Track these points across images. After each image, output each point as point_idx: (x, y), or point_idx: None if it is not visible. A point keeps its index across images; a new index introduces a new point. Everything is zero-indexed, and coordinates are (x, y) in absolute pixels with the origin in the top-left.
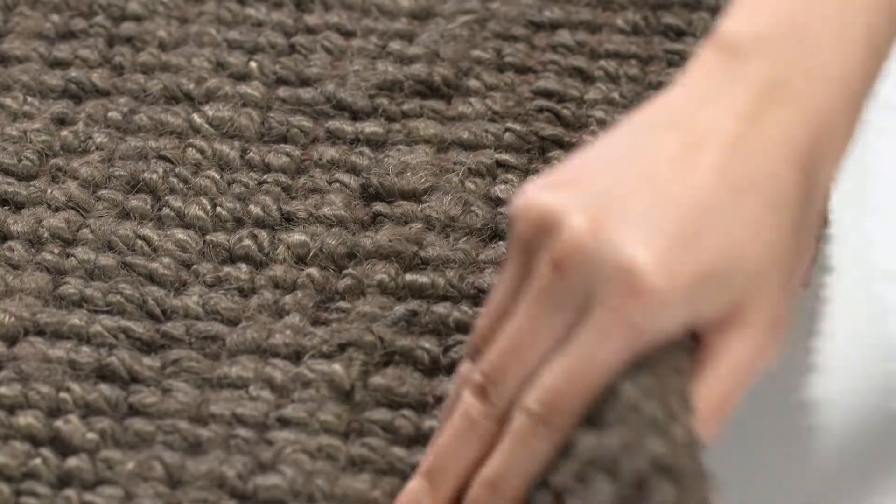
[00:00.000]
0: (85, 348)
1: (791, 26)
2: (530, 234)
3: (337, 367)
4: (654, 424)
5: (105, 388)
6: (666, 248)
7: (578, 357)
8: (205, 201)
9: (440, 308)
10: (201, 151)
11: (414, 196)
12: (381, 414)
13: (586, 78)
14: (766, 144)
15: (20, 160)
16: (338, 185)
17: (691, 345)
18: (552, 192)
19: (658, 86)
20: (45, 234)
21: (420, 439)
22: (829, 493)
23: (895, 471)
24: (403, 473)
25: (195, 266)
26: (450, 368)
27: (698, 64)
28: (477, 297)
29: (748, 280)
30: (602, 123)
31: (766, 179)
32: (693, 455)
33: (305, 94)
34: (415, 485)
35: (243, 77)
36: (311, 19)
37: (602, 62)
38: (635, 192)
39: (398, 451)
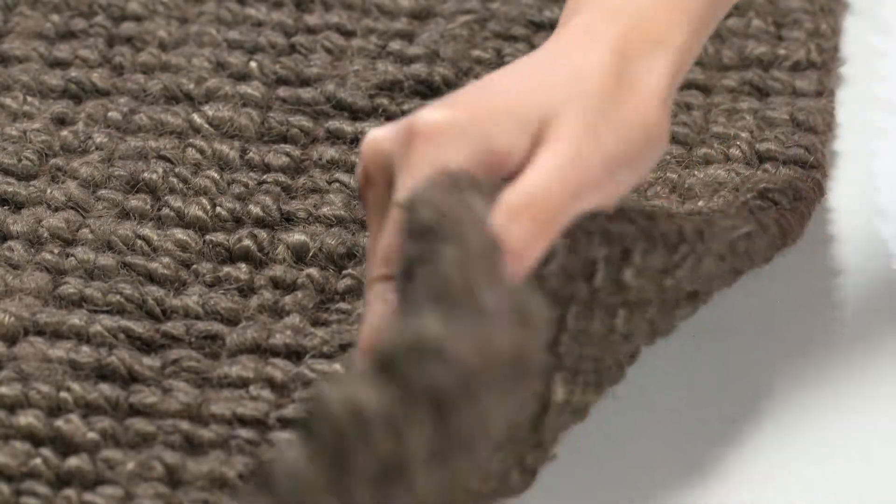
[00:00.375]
0: (85, 348)
1: None
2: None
3: (338, 368)
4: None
5: (105, 387)
6: (448, 102)
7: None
8: (204, 201)
9: None
10: (201, 151)
11: None
12: None
13: None
14: (582, 43)
15: (20, 160)
16: (337, 184)
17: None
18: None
19: None
20: (45, 234)
21: None
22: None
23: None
24: None
25: (195, 266)
26: None
27: (564, 25)
28: None
29: (545, 109)
30: None
31: (576, 57)
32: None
33: (305, 93)
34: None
35: (243, 77)
36: (311, 19)
37: None
38: (471, 89)
39: None
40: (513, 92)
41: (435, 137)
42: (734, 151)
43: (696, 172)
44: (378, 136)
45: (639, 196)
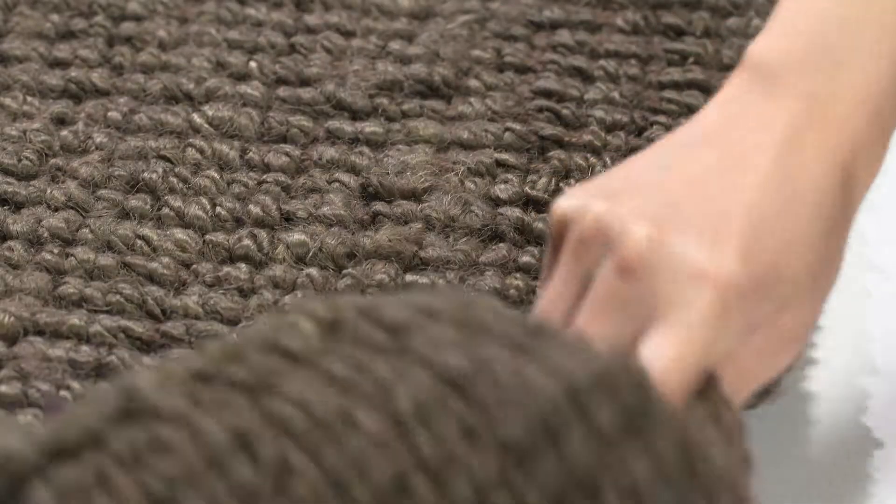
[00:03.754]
0: (85, 348)
1: (822, 48)
2: (587, 240)
3: None
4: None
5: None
6: (734, 250)
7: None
8: (204, 201)
9: None
10: (201, 151)
11: (414, 196)
12: None
13: (586, 77)
14: (805, 161)
15: (20, 160)
16: (337, 184)
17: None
18: (607, 201)
19: (658, 85)
20: (45, 234)
21: None
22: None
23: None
24: None
25: (195, 266)
26: None
27: (731, 86)
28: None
29: (791, 288)
30: (602, 123)
31: (810, 192)
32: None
33: (305, 93)
34: None
35: (243, 77)
36: (311, 19)
37: (602, 62)
38: (688, 201)
39: None
40: (764, 249)
41: (638, 272)
42: None
43: None
44: (586, 216)
45: None
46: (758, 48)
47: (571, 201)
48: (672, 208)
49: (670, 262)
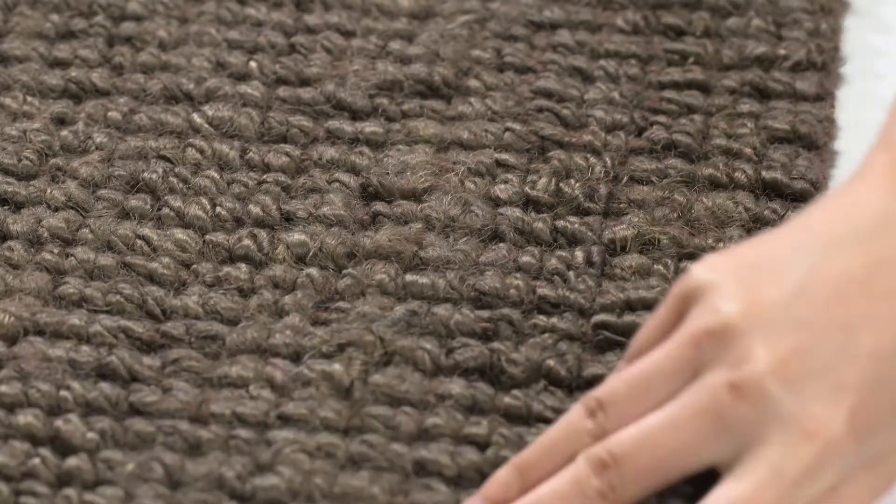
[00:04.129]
0: (85, 348)
1: None
2: (713, 335)
3: (337, 367)
4: None
5: (105, 386)
6: (847, 410)
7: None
8: (204, 201)
9: (441, 310)
10: (201, 151)
11: (414, 196)
12: (382, 411)
13: (586, 77)
14: None
15: (20, 160)
16: (337, 184)
17: None
18: (742, 299)
19: (658, 85)
20: (45, 234)
21: (421, 436)
22: None
23: None
24: (404, 470)
25: (195, 266)
26: (452, 370)
27: (876, 169)
28: (477, 299)
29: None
30: (602, 123)
31: None
32: None
33: (305, 93)
34: (504, 474)
35: (243, 77)
36: (311, 19)
37: (602, 62)
38: (824, 336)
39: (398, 447)
40: (886, 396)
41: (750, 399)
42: (739, 176)
43: (703, 199)
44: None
45: (649, 222)
46: None
47: (710, 275)
48: (804, 335)
49: (782, 406)
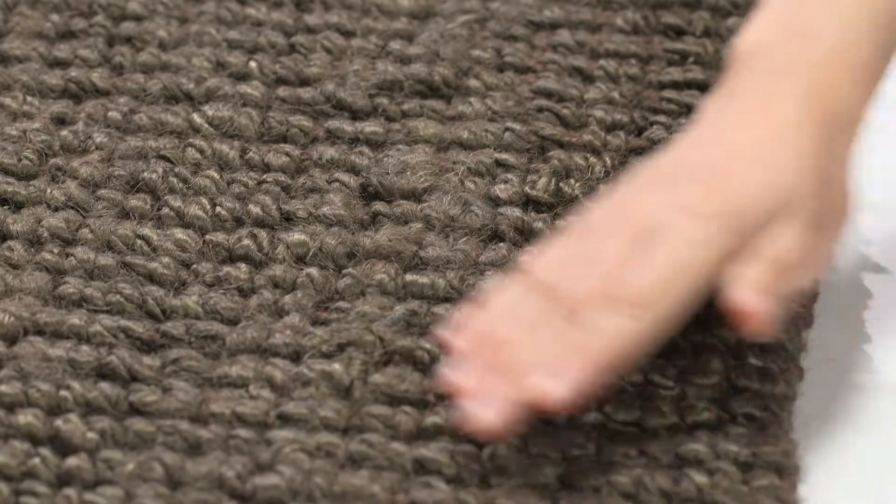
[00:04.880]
0: (85, 347)
1: (794, 29)
2: None
3: (336, 366)
4: None
5: (105, 386)
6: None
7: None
8: (204, 201)
9: (441, 310)
10: (201, 151)
11: (414, 196)
12: (381, 410)
13: (586, 77)
14: (784, 108)
15: (20, 160)
16: (337, 184)
17: None
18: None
19: (658, 85)
20: (45, 234)
21: (421, 435)
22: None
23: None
24: (403, 469)
25: (195, 266)
26: None
27: (725, 75)
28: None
29: (784, 192)
30: (602, 123)
31: (791, 133)
32: None
33: (305, 93)
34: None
35: (243, 77)
36: (311, 19)
37: (602, 62)
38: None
39: (398, 446)
40: (761, 178)
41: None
42: None
43: None
44: None
45: None
46: (737, 42)
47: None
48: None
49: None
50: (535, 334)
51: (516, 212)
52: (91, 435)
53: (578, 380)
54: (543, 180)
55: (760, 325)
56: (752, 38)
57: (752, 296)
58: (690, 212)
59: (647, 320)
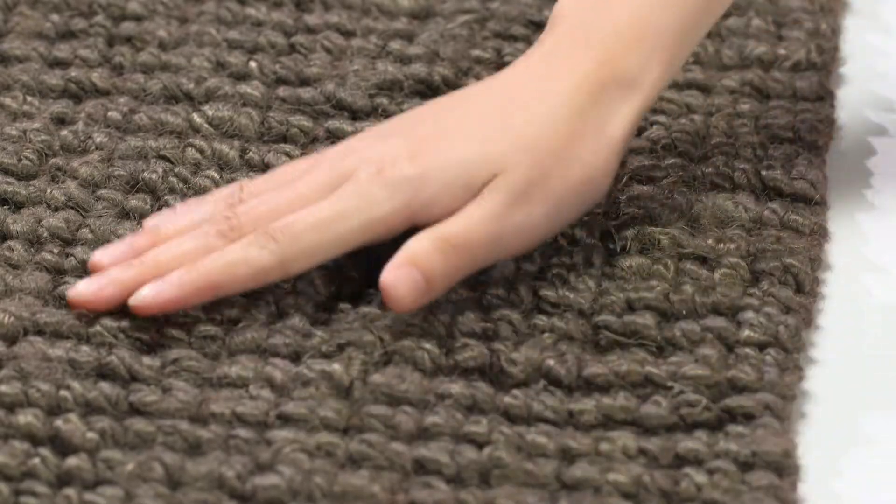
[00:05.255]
0: (85, 347)
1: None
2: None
3: (336, 366)
4: None
5: (105, 386)
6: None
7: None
8: None
9: (441, 310)
10: (201, 151)
11: None
12: (381, 410)
13: None
14: (564, 74)
15: (20, 160)
16: None
17: None
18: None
19: None
20: (45, 234)
21: (421, 435)
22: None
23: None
24: (403, 469)
25: None
26: (451, 370)
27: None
28: (478, 299)
29: (489, 167)
30: None
31: (554, 98)
32: None
33: (305, 93)
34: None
35: (243, 77)
36: (311, 19)
37: None
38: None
39: (398, 446)
40: (466, 150)
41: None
42: (739, 176)
43: (703, 199)
44: None
45: (650, 222)
46: (558, 4)
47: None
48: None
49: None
50: (185, 238)
51: None
52: (91, 435)
53: (174, 297)
54: None
55: (391, 300)
56: (564, 3)
57: (391, 270)
58: (380, 167)
59: (275, 255)
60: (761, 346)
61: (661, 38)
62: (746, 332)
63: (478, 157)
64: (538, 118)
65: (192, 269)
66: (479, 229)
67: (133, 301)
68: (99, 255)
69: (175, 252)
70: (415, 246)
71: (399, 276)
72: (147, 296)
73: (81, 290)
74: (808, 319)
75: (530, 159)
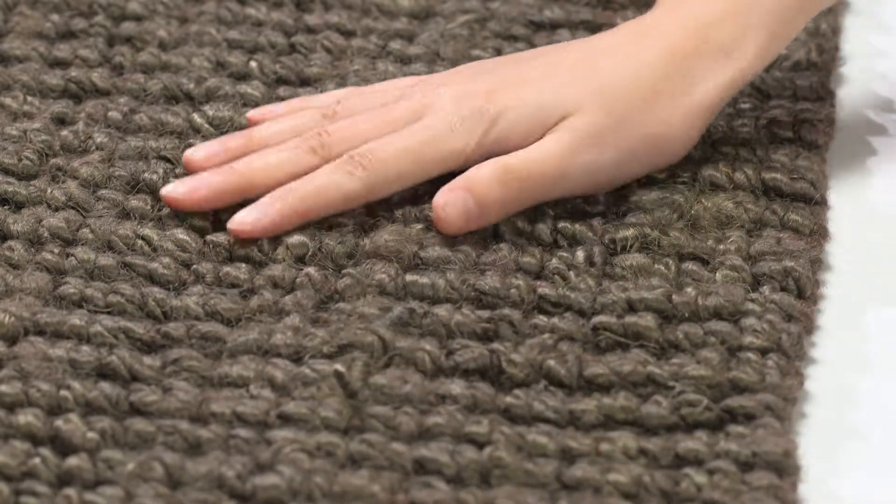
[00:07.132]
0: (85, 348)
1: None
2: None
3: (338, 367)
4: None
5: (106, 386)
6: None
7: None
8: None
9: (441, 310)
10: None
11: (414, 196)
12: (382, 410)
13: None
14: (645, 35)
15: (20, 160)
16: None
17: None
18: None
19: None
20: (45, 234)
21: (422, 435)
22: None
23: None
24: (403, 469)
25: (195, 266)
26: (452, 371)
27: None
28: (477, 300)
29: (562, 106)
30: None
31: (645, 54)
32: None
33: (305, 93)
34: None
35: (243, 77)
36: (311, 19)
37: None
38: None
39: (398, 446)
40: (543, 91)
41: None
42: (739, 176)
43: (702, 199)
44: None
45: (650, 222)
46: None
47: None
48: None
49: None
50: (277, 149)
51: None
52: (91, 435)
53: (272, 222)
54: None
55: (439, 221)
56: None
57: (445, 191)
58: (461, 102)
59: (362, 181)
60: (763, 352)
61: (758, 16)
62: (749, 339)
63: (554, 98)
64: (621, 71)
65: (287, 194)
66: (543, 163)
67: (232, 225)
68: (192, 152)
69: (267, 162)
70: (474, 172)
71: (450, 198)
72: (246, 222)
73: (174, 189)
74: (809, 327)
75: (607, 105)
